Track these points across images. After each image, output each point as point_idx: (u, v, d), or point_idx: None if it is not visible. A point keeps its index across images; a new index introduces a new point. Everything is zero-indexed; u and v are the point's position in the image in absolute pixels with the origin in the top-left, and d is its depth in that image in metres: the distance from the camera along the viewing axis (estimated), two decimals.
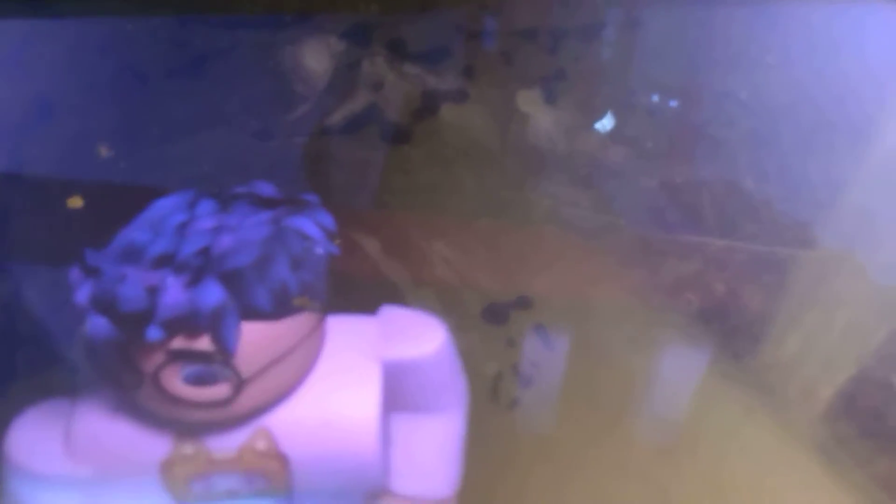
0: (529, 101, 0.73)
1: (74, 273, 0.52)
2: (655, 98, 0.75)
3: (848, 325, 0.66)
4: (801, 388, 0.64)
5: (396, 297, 0.65)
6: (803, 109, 0.75)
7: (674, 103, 0.75)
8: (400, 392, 0.58)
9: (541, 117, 0.72)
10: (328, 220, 0.56)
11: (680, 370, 0.64)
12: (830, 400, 0.63)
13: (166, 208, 0.55)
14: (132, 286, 0.50)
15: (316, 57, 0.74)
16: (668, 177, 0.71)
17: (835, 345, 0.65)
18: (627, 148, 0.72)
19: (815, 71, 0.77)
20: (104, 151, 0.68)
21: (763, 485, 0.60)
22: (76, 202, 0.65)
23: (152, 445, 0.54)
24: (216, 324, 0.50)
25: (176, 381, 0.51)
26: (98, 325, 0.51)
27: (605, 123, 0.73)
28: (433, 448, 0.61)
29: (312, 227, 0.55)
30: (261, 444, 0.54)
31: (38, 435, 0.55)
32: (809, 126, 0.74)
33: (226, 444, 0.54)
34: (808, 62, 0.77)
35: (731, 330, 0.65)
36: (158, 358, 0.51)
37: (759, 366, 0.64)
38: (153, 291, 0.50)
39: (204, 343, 0.51)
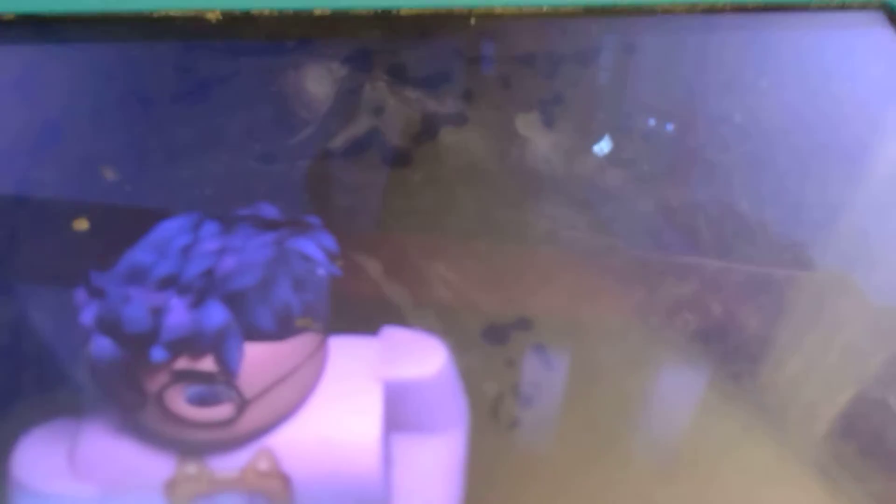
0: (528, 125, 0.73)
1: (79, 294, 0.53)
2: (652, 122, 0.75)
3: (846, 346, 0.67)
4: (799, 408, 0.64)
5: (398, 317, 0.65)
6: (798, 133, 0.75)
7: (670, 127, 0.75)
8: (401, 412, 0.58)
9: (539, 140, 0.73)
10: (330, 241, 0.57)
11: (678, 390, 0.64)
12: (829, 420, 0.63)
13: (171, 230, 0.55)
14: (136, 307, 0.51)
15: (318, 82, 0.75)
16: (665, 199, 0.71)
17: (833, 366, 0.65)
18: (625, 171, 0.72)
19: (809, 95, 0.78)
20: (109, 174, 0.69)
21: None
22: (82, 224, 0.66)
23: (156, 465, 0.54)
24: (219, 344, 0.51)
25: (179, 401, 0.52)
26: (102, 345, 0.51)
27: (603, 147, 0.74)
28: (435, 468, 0.61)
29: (315, 249, 0.56)
30: (263, 465, 0.54)
31: (42, 454, 0.56)
32: (804, 149, 0.75)
33: (228, 465, 0.54)
34: (802, 86, 0.78)
35: (730, 350, 0.65)
36: (162, 378, 0.51)
37: (757, 386, 0.64)
38: (157, 312, 0.51)
39: (207, 364, 0.51)
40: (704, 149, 0.75)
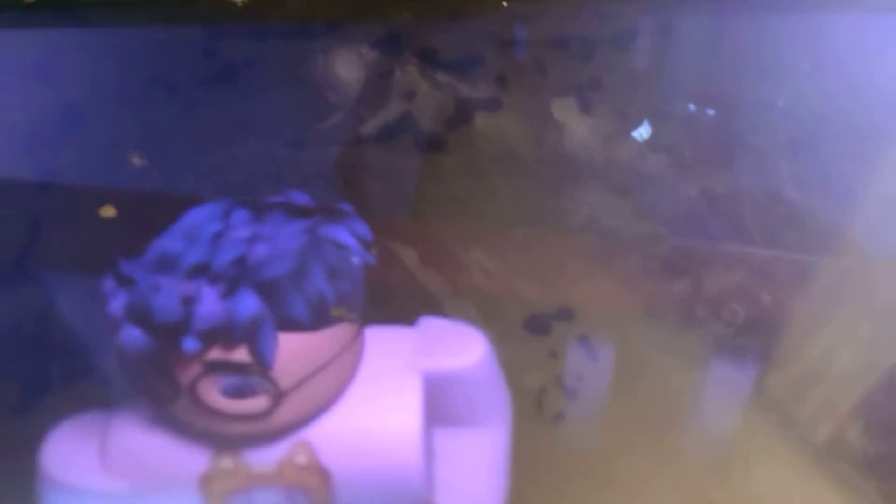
0: (564, 110, 0.72)
1: (108, 283, 0.52)
2: (692, 106, 0.74)
3: None
4: (851, 403, 0.63)
5: (435, 307, 0.65)
6: (843, 117, 0.74)
7: (711, 112, 0.74)
8: (442, 405, 0.57)
9: (576, 126, 0.71)
10: (364, 229, 0.56)
11: (727, 383, 0.63)
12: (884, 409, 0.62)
13: (201, 218, 0.54)
14: (167, 296, 0.50)
15: (347, 66, 0.74)
16: (708, 185, 0.70)
17: (885, 354, 0.64)
18: (665, 156, 0.71)
19: (855, 78, 0.76)
20: (137, 161, 0.68)
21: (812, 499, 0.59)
22: (109, 212, 0.65)
23: (190, 459, 0.53)
24: (253, 335, 0.50)
25: (213, 393, 0.51)
26: (132, 336, 0.50)
27: (642, 132, 0.72)
28: (477, 463, 0.60)
29: (348, 237, 0.55)
30: (301, 458, 0.53)
31: (73, 448, 0.55)
32: (851, 133, 0.73)
33: (265, 458, 0.53)
34: (847, 69, 0.77)
35: (779, 341, 0.64)
36: (195, 369, 0.50)
37: (807, 376, 0.63)
38: (188, 302, 0.50)
39: (241, 354, 0.50)
40: (748, 133, 0.73)
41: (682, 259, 0.68)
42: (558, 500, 0.59)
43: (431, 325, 0.61)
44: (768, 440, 0.61)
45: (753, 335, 0.64)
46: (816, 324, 0.66)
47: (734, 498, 0.58)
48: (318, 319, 0.52)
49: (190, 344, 0.49)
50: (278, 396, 0.51)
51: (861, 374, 0.65)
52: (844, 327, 0.66)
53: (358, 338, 0.56)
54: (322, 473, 0.54)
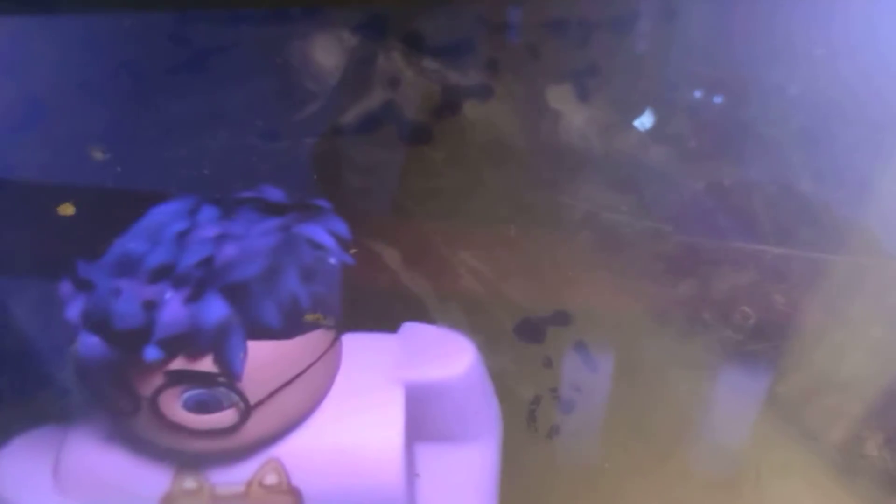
0: (560, 98, 0.70)
1: (65, 287, 0.50)
2: (698, 94, 0.72)
3: None
4: (863, 405, 0.61)
5: (419, 312, 0.63)
6: (858, 105, 0.72)
7: (718, 99, 0.72)
8: (425, 419, 0.56)
9: (573, 115, 0.70)
10: (342, 227, 0.54)
11: (737, 394, 0.61)
12: None
13: (165, 215, 0.53)
14: (127, 301, 0.48)
15: (327, 52, 0.72)
16: (716, 178, 0.68)
17: None
18: (669, 147, 0.70)
19: (869, 64, 0.74)
20: (98, 154, 0.66)
21: None
22: (67, 209, 0.63)
23: (150, 479, 0.51)
24: (220, 343, 0.48)
25: (176, 406, 0.49)
26: (90, 344, 0.48)
27: (645, 121, 0.71)
28: (464, 482, 0.58)
29: (325, 236, 0.53)
30: (270, 478, 0.52)
31: (25, 466, 0.53)
32: (867, 123, 0.71)
33: (232, 478, 0.52)
34: (861, 55, 0.75)
35: (793, 346, 0.62)
36: (156, 381, 0.48)
37: (825, 389, 0.61)
38: (150, 307, 0.48)
39: (206, 364, 0.48)
40: (757, 123, 0.71)
41: (688, 258, 0.66)
42: None
43: (415, 332, 0.59)
44: (782, 453, 0.60)
45: (765, 340, 0.62)
46: (828, 325, 0.64)
47: None
48: (291, 326, 0.50)
49: (151, 353, 0.47)
50: (246, 410, 0.49)
51: (874, 379, 0.63)
52: (857, 329, 0.64)
53: (334, 346, 0.54)
54: (293, 494, 0.52)
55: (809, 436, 0.59)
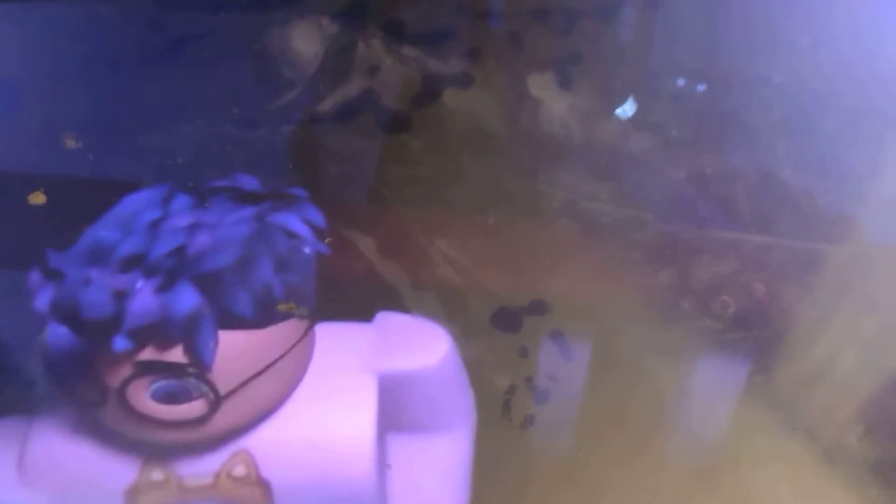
0: (541, 86, 0.70)
1: (34, 276, 0.49)
2: (681, 82, 0.72)
3: None
4: (854, 404, 0.60)
5: (394, 301, 0.63)
6: (844, 95, 0.72)
7: (701, 87, 0.72)
8: (399, 409, 0.55)
9: (554, 103, 0.69)
10: (317, 216, 0.53)
11: (716, 383, 0.61)
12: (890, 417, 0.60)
13: (137, 204, 0.51)
14: (97, 291, 0.47)
15: (306, 39, 0.71)
16: (698, 167, 0.68)
17: (891, 354, 0.61)
18: (651, 136, 0.69)
19: (855, 54, 0.74)
20: (70, 143, 0.65)
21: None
22: (38, 198, 0.63)
23: (117, 470, 0.51)
24: (190, 333, 0.47)
25: (144, 397, 0.48)
26: (58, 334, 0.48)
27: (626, 109, 0.70)
28: (437, 472, 0.58)
29: (299, 224, 0.52)
30: (239, 469, 0.51)
31: None
32: (851, 112, 0.71)
33: (200, 470, 0.51)
34: (847, 44, 0.74)
35: (773, 336, 0.62)
36: (125, 371, 0.47)
37: (804, 377, 0.61)
38: (120, 296, 0.47)
39: (176, 355, 0.47)
40: (741, 111, 0.71)
41: (669, 247, 0.66)
42: None
43: (390, 321, 0.58)
44: (761, 441, 0.59)
45: (745, 329, 0.62)
46: (820, 321, 0.64)
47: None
48: (263, 315, 0.50)
49: (120, 343, 0.46)
50: (216, 401, 0.48)
51: (857, 368, 0.63)
52: (849, 325, 0.64)
53: (308, 335, 0.53)
54: (262, 486, 0.51)
55: (788, 425, 0.59)
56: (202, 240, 0.49)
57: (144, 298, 0.47)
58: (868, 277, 0.65)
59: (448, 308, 0.62)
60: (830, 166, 0.70)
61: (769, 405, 0.60)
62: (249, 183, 0.55)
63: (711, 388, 0.61)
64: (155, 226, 0.50)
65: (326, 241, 0.53)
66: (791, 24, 0.74)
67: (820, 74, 0.73)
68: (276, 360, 0.50)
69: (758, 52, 0.74)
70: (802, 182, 0.68)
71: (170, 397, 0.48)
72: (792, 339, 0.62)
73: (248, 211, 0.52)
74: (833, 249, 0.65)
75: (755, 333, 0.62)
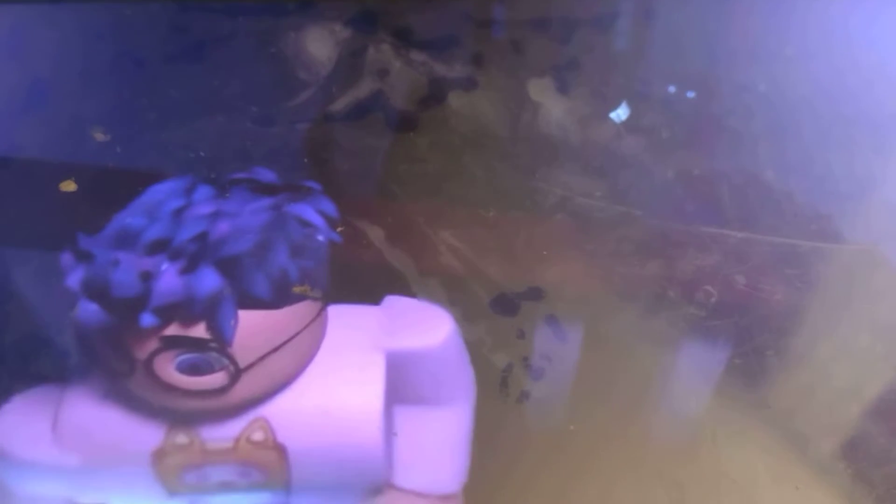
0: (540, 90, 0.73)
1: (66, 258, 0.51)
2: (672, 89, 0.75)
3: (877, 323, 0.66)
4: (829, 388, 0.63)
5: (401, 286, 0.65)
6: (824, 102, 0.74)
7: (691, 94, 0.75)
8: (404, 384, 0.58)
9: (552, 106, 0.72)
10: (330, 207, 0.56)
11: (697, 365, 0.63)
12: (862, 403, 0.62)
13: (162, 193, 0.54)
14: (125, 271, 0.49)
15: (319, 43, 0.74)
16: (686, 168, 0.71)
17: (865, 346, 0.64)
18: (643, 138, 0.72)
19: (836, 64, 0.77)
20: (100, 136, 0.68)
21: (782, 480, 0.59)
22: (69, 186, 0.65)
23: (143, 434, 0.53)
24: (212, 311, 0.50)
25: (169, 368, 0.50)
26: (89, 310, 0.50)
27: (620, 113, 0.73)
28: (439, 441, 0.60)
29: (313, 214, 0.55)
30: (258, 435, 0.53)
31: (24, 421, 0.55)
32: (831, 119, 0.74)
33: (221, 434, 0.53)
34: (829, 55, 0.77)
35: (753, 325, 0.65)
36: (151, 345, 0.50)
37: (782, 363, 0.63)
38: (147, 277, 0.49)
39: (199, 331, 0.50)
40: (727, 117, 0.74)
41: (657, 240, 0.68)
42: (520, 479, 0.59)
43: (397, 304, 0.61)
44: (737, 420, 0.61)
45: (726, 316, 0.65)
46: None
47: (700, 477, 0.59)
48: (279, 297, 0.52)
49: (147, 319, 0.49)
50: (236, 373, 0.51)
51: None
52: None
53: (320, 316, 0.56)
54: (279, 450, 0.54)
55: (763, 405, 0.62)
56: (223, 227, 0.51)
57: (169, 279, 0.49)
58: (844, 273, 0.68)
59: (451, 293, 0.64)
60: (809, 168, 0.73)
61: (745, 386, 0.63)
62: (267, 176, 0.58)
63: (693, 370, 0.63)
64: (179, 213, 0.53)
65: (338, 230, 0.56)
66: (775, 35, 0.77)
67: (801, 83, 0.75)
68: (292, 338, 0.53)
69: (744, 61, 0.77)
70: (783, 183, 0.71)
71: (193, 369, 0.51)
72: (770, 326, 0.65)
73: (266, 201, 0.54)
74: (810, 245, 0.68)
75: (735, 320, 0.65)
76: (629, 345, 0.63)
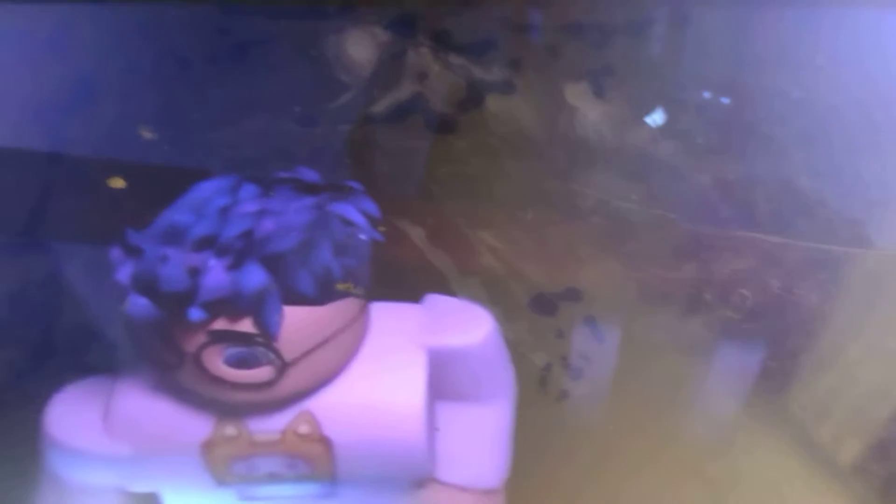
0: (577, 95, 0.73)
1: (116, 252, 0.53)
2: (707, 95, 0.75)
3: None
4: (859, 391, 0.64)
5: (442, 285, 0.66)
6: (856, 110, 0.74)
7: (725, 100, 0.75)
8: (446, 381, 0.58)
9: (589, 110, 0.72)
10: (372, 206, 0.57)
11: (733, 367, 0.64)
12: (888, 403, 0.63)
13: (209, 191, 0.55)
14: (174, 267, 0.51)
15: (360, 46, 0.75)
16: (721, 173, 0.71)
17: (893, 345, 0.65)
18: (678, 143, 0.72)
19: (867, 73, 0.77)
20: (147, 134, 0.69)
21: (815, 480, 0.60)
22: (118, 183, 0.66)
23: (193, 426, 0.54)
24: (258, 307, 0.51)
25: (217, 362, 0.52)
26: (139, 304, 0.51)
27: (656, 118, 0.73)
28: (480, 437, 0.61)
29: (356, 214, 0.56)
30: (304, 428, 0.55)
31: (77, 411, 0.56)
32: (863, 126, 0.74)
33: (268, 427, 0.55)
34: (859, 64, 0.77)
35: (787, 328, 0.65)
36: (200, 338, 0.51)
37: (812, 364, 0.64)
38: (195, 273, 0.51)
39: (246, 325, 0.51)
40: (761, 123, 0.74)
41: (692, 244, 0.68)
42: (560, 475, 0.60)
43: (438, 303, 0.62)
44: (778, 423, 0.62)
45: (761, 319, 0.65)
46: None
47: (737, 476, 0.59)
48: (323, 293, 0.53)
49: (195, 314, 0.50)
50: (282, 367, 0.52)
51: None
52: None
53: (363, 313, 0.57)
54: (324, 443, 0.55)
55: (796, 406, 0.62)
56: (268, 225, 0.53)
57: (217, 275, 0.51)
58: (876, 278, 0.68)
59: (491, 292, 0.65)
60: (843, 175, 0.73)
61: (779, 387, 0.63)
62: (310, 175, 0.59)
63: (728, 371, 0.64)
64: (225, 211, 0.54)
65: (380, 229, 0.57)
66: (810, 42, 0.77)
67: (835, 90, 0.76)
68: (336, 334, 0.54)
69: (778, 68, 0.77)
70: (817, 189, 0.71)
71: (241, 363, 0.52)
72: (804, 328, 0.65)
73: (309, 200, 0.55)
74: (843, 251, 0.68)
75: (770, 323, 0.65)
76: (665, 345, 0.64)
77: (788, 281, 0.66)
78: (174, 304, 0.51)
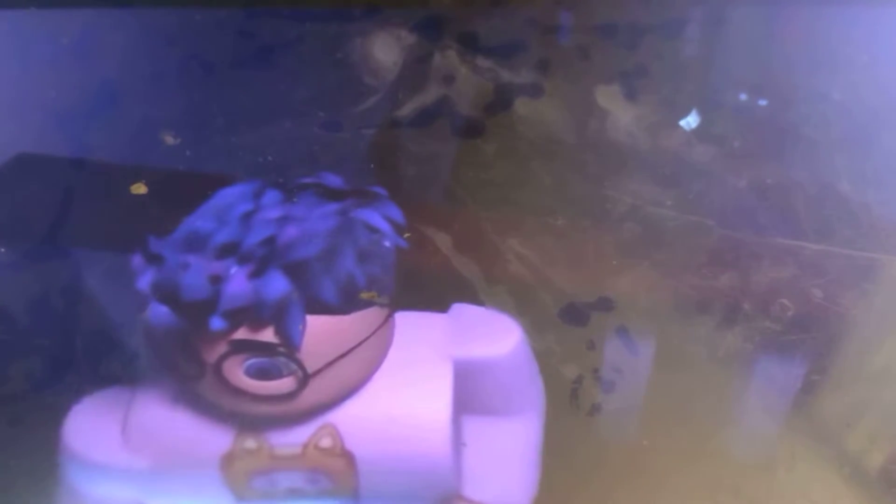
0: (608, 97, 0.72)
1: (137, 260, 0.52)
2: (743, 96, 0.73)
3: None
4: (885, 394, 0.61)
5: (469, 294, 0.64)
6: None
7: (762, 102, 0.73)
8: (473, 393, 0.57)
9: (621, 113, 0.71)
10: (397, 213, 0.55)
11: (773, 380, 0.61)
12: None
13: (231, 197, 0.54)
14: (195, 274, 0.50)
15: (385, 49, 0.74)
16: (758, 177, 0.69)
17: None
18: (714, 146, 0.70)
19: None
20: (169, 139, 0.69)
21: (862, 501, 0.57)
22: (140, 189, 0.66)
23: (212, 438, 0.53)
24: (280, 315, 0.50)
25: (238, 372, 0.51)
26: (159, 313, 0.50)
27: (690, 121, 0.71)
28: (508, 453, 0.59)
29: (380, 220, 0.55)
30: (326, 441, 0.53)
31: (95, 423, 0.55)
32: None
33: (289, 440, 0.53)
34: None
35: (830, 338, 0.63)
36: (221, 348, 0.50)
37: (859, 375, 0.62)
38: (216, 281, 0.49)
39: (268, 335, 0.50)
40: (801, 125, 0.72)
41: (730, 251, 0.66)
42: (590, 491, 0.58)
43: (464, 312, 0.60)
44: (823, 440, 0.59)
45: (803, 331, 0.63)
46: (863, 319, 0.65)
47: (779, 497, 0.57)
48: (347, 302, 0.52)
49: (217, 323, 0.49)
50: (304, 378, 0.51)
51: None
52: (890, 323, 0.65)
53: (388, 322, 0.56)
54: (347, 457, 0.53)
55: (841, 422, 0.60)
56: (291, 231, 0.51)
57: (239, 283, 0.49)
58: None
59: (519, 302, 0.63)
60: (887, 179, 0.70)
61: (825, 403, 0.61)
62: (334, 181, 0.58)
63: (769, 386, 0.62)
64: (247, 217, 0.53)
65: (405, 236, 0.55)
66: (850, 42, 0.75)
67: (877, 91, 0.74)
68: (360, 344, 0.53)
69: (817, 69, 0.75)
70: (859, 194, 0.68)
71: (262, 373, 0.51)
72: (848, 339, 0.63)
73: (333, 206, 0.54)
74: (889, 259, 0.66)
75: (813, 336, 0.63)
76: (702, 358, 0.62)
77: (831, 290, 0.64)
78: (195, 312, 0.50)
